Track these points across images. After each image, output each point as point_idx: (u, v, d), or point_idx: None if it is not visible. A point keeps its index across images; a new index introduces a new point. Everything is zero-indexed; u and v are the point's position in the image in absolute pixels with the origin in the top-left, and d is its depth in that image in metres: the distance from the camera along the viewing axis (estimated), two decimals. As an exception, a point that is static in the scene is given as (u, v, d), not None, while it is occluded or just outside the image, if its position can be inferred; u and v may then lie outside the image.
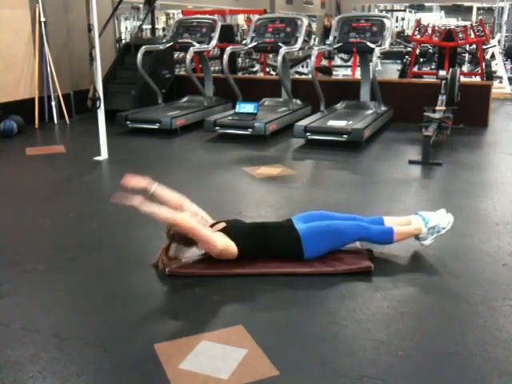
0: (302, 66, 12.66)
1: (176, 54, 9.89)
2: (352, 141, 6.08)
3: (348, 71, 13.26)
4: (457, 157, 5.81)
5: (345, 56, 14.28)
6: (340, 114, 6.99)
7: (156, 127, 6.88)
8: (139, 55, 7.30)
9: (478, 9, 26.31)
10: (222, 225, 3.15)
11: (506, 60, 13.32)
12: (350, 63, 13.41)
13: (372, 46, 6.73)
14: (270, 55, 11.40)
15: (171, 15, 19.90)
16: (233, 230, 3.10)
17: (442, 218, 3.24)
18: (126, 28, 16.22)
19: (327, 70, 9.96)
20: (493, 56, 12.08)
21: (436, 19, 27.43)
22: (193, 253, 3.21)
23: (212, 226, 3.16)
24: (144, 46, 7.44)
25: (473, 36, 12.37)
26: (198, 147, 6.36)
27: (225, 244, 3.00)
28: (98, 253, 3.38)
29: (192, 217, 3.03)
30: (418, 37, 12.42)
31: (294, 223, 3.17)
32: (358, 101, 7.44)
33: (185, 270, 3.04)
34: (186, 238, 3.03)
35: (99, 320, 2.61)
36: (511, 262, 3.19)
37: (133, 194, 2.92)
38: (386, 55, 13.99)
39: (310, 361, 2.27)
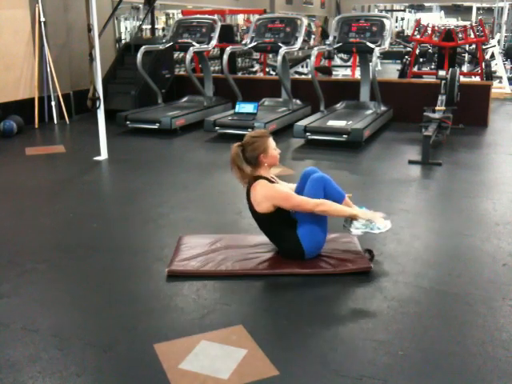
0: (302, 66, 12.67)
1: (176, 54, 9.89)
2: (352, 141, 6.08)
3: (348, 71, 13.26)
4: (457, 157, 5.81)
5: (344, 56, 14.28)
6: (340, 114, 7.00)
7: (156, 127, 6.89)
8: (139, 55, 7.31)
9: (478, 9, 26.31)
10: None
11: (506, 60, 13.33)
12: (349, 63, 13.41)
13: (372, 46, 6.73)
14: (270, 55, 11.40)
15: (171, 15, 19.90)
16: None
17: (381, 220, 3.17)
18: (126, 28, 16.23)
19: (327, 70, 9.96)
20: (492, 56, 12.09)
21: (436, 19, 27.43)
22: (192, 253, 3.22)
23: None
24: (144, 46, 7.45)
25: (472, 36, 12.37)
26: (198, 147, 6.36)
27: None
28: (98, 253, 3.38)
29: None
30: (418, 37, 12.42)
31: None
32: (358, 101, 7.45)
33: (185, 270, 3.04)
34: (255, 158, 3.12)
35: (99, 320, 2.61)
36: (511, 262, 3.19)
37: None
38: (385, 55, 13.99)
39: (310, 361, 2.27)
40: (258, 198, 3.11)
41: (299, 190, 3.22)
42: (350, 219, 3.16)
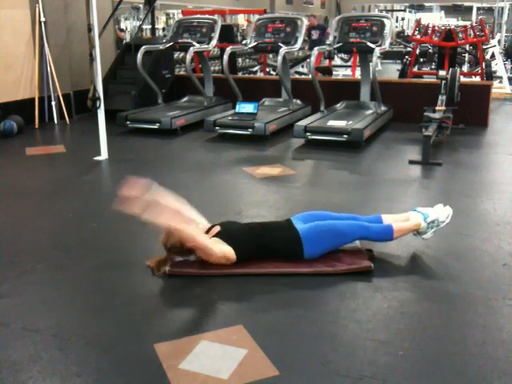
0: (302, 66, 12.67)
1: (176, 54, 9.89)
2: (352, 141, 6.08)
3: (348, 71, 13.26)
4: (457, 157, 5.81)
5: (345, 56, 14.28)
6: (340, 114, 6.99)
7: (156, 127, 6.88)
8: (139, 55, 7.30)
9: (478, 9, 26.33)
10: (217, 229, 3.12)
11: (506, 60, 13.34)
12: (349, 63, 13.41)
13: (372, 46, 6.73)
14: (270, 55, 11.41)
15: (171, 15, 19.91)
16: (229, 233, 3.08)
17: (441, 212, 3.25)
18: (126, 28, 16.22)
19: (327, 70, 9.96)
20: (493, 56, 12.08)
21: (436, 19, 27.45)
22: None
23: (207, 231, 3.14)
24: (144, 46, 7.44)
25: (473, 36, 12.37)
26: (198, 147, 6.36)
27: (222, 251, 2.98)
28: (98, 253, 3.37)
29: (190, 224, 3.01)
30: (418, 37, 12.42)
31: (294, 223, 3.17)
32: (358, 101, 7.44)
33: (185, 270, 3.04)
34: (182, 249, 3.01)
35: (99, 320, 2.61)
36: (511, 262, 3.19)
37: (133, 199, 2.90)
38: (385, 55, 14.00)
39: (310, 361, 2.27)
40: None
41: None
42: (416, 231, 3.25)
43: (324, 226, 3.12)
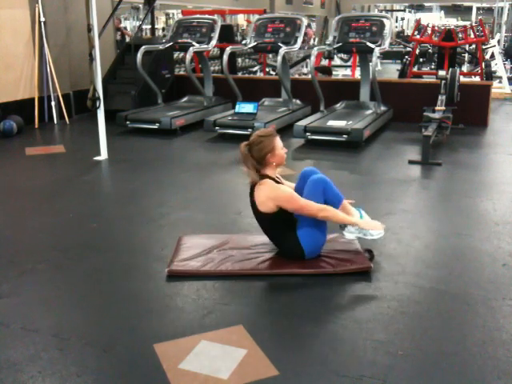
0: (302, 66, 12.67)
1: (176, 54, 9.89)
2: (352, 141, 6.08)
3: (348, 71, 13.26)
4: (457, 157, 5.81)
5: (344, 56, 14.29)
6: (340, 114, 7.00)
7: (156, 127, 6.88)
8: (139, 55, 7.31)
9: (478, 9, 26.33)
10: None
11: (506, 60, 13.33)
12: (349, 63, 13.41)
13: (372, 46, 6.73)
14: (270, 55, 11.41)
15: (171, 15, 19.91)
16: None
17: (377, 228, 3.17)
18: (126, 28, 16.22)
19: (327, 70, 9.96)
20: (492, 56, 12.09)
21: (436, 19, 27.46)
22: (192, 253, 3.22)
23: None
24: (144, 46, 7.44)
25: (472, 36, 12.38)
26: (198, 147, 6.36)
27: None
28: (98, 253, 3.37)
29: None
30: (418, 37, 12.42)
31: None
32: (358, 101, 7.44)
33: (185, 270, 3.04)
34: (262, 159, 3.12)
35: (99, 320, 2.61)
36: (511, 262, 3.19)
37: None
38: (385, 55, 14.00)
39: (310, 361, 2.27)
40: (261, 198, 3.11)
41: (298, 190, 3.22)
42: (344, 225, 3.20)
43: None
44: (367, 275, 3.00)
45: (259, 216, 3.18)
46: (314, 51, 6.98)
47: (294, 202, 3.06)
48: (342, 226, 3.22)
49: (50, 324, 2.55)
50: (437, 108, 6.39)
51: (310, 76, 7.34)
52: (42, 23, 7.48)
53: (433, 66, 13.03)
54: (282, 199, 3.07)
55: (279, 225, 3.15)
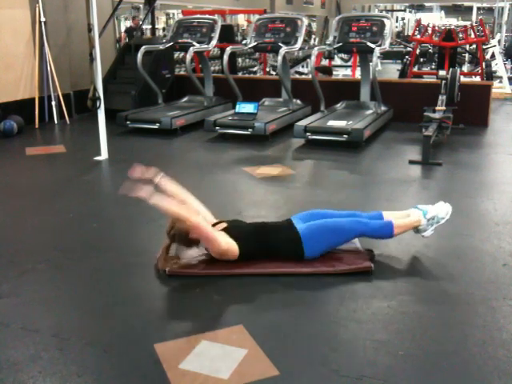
0: (302, 66, 12.67)
1: (176, 54, 9.89)
2: (352, 141, 6.08)
3: (348, 71, 13.26)
4: (457, 157, 5.80)
5: (345, 56, 14.29)
6: (340, 114, 6.99)
7: (156, 127, 6.88)
8: (139, 55, 7.31)
9: (478, 9, 26.31)
10: (224, 225, 3.15)
11: (506, 60, 13.33)
12: (349, 63, 13.41)
13: (372, 46, 6.73)
14: (271, 55, 11.41)
15: (171, 15, 19.92)
16: (234, 230, 3.10)
17: (441, 209, 3.26)
18: (125, 28, 16.21)
19: (327, 70, 9.96)
20: (493, 56, 12.08)
21: (436, 19, 27.45)
22: (193, 253, 3.21)
23: (213, 225, 3.16)
24: (144, 46, 7.44)
25: (473, 36, 12.38)
26: (198, 147, 6.36)
27: (227, 244, 3.00)
28: (98, 253, 3.37)
29: (197, 215, 3.03)
30: (418, 37, 12.42)
31: (294, 223, 3.17)
32: (358, 101, 7.44)
33: (185, 270, 3.04)
34: (186, 239, 3.03)
35: (99, 320, 2.61)
36: (511, 262, 3.19)
37: (140, 185, 2.91)
38: (385, 55, 14.00)
39: (310, 361, 2.26)
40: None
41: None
42: (416, 228, 3.26)
43: (323, 224, 3.12)
44: (367, 275, 2.99)
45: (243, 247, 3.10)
46: (315, 51, 6.98)
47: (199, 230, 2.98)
48: (415, 231, 3.29)
49: (50, 324, 2.55)
50: (437, 108, 6.39)
51: (310, 76, 7.34)
52: (43, 23, 7.48)
53: (433, 66, 13.03)
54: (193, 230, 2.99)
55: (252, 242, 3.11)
